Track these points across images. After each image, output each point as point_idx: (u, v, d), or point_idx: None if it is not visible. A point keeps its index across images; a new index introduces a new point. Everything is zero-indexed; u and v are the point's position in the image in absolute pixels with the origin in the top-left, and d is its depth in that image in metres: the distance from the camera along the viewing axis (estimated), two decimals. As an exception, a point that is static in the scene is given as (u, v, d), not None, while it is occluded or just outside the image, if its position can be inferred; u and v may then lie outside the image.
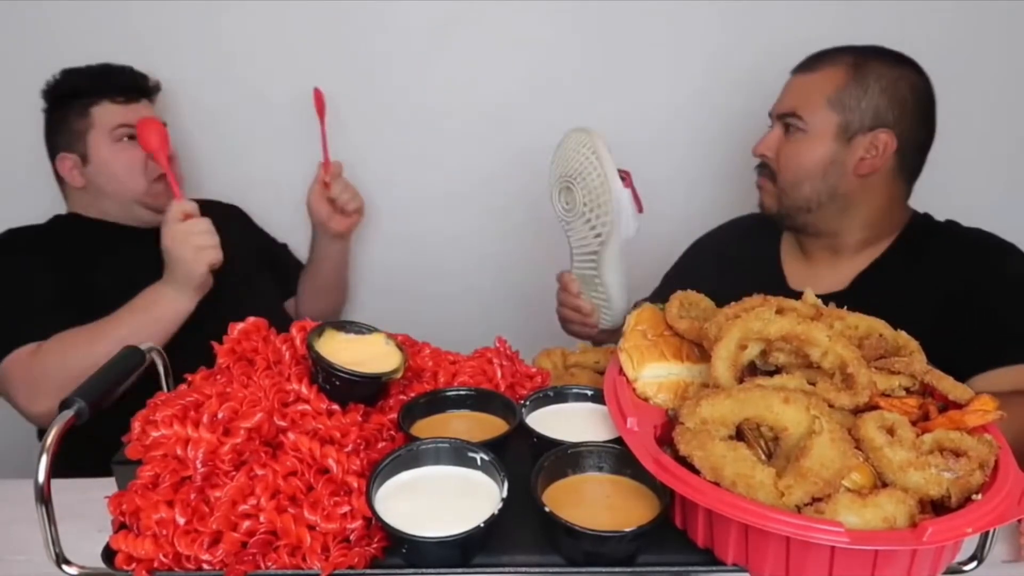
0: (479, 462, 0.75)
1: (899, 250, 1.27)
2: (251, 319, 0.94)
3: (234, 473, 0.74)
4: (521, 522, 0.72)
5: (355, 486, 0.73)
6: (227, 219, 1.70)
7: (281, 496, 0.73)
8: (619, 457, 0.76)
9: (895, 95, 1.20)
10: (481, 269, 1.87)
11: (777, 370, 0.79)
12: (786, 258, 1.39)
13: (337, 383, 0.83)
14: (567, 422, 0.86)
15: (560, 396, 0.91)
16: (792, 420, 0.69)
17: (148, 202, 1.50)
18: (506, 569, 0.70)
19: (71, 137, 1.46)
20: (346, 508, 0.72)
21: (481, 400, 0.90)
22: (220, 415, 0.77)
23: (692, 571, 0.71)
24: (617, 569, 0.70)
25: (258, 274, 1.67)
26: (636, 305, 0.97)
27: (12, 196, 1.67)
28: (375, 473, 0.73)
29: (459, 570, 0.70)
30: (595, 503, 0.74)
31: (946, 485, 0.66)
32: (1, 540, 0.98)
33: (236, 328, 0.93)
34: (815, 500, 0.64)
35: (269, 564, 0.70)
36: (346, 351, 0.86)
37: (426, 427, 0.86)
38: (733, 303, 0.87)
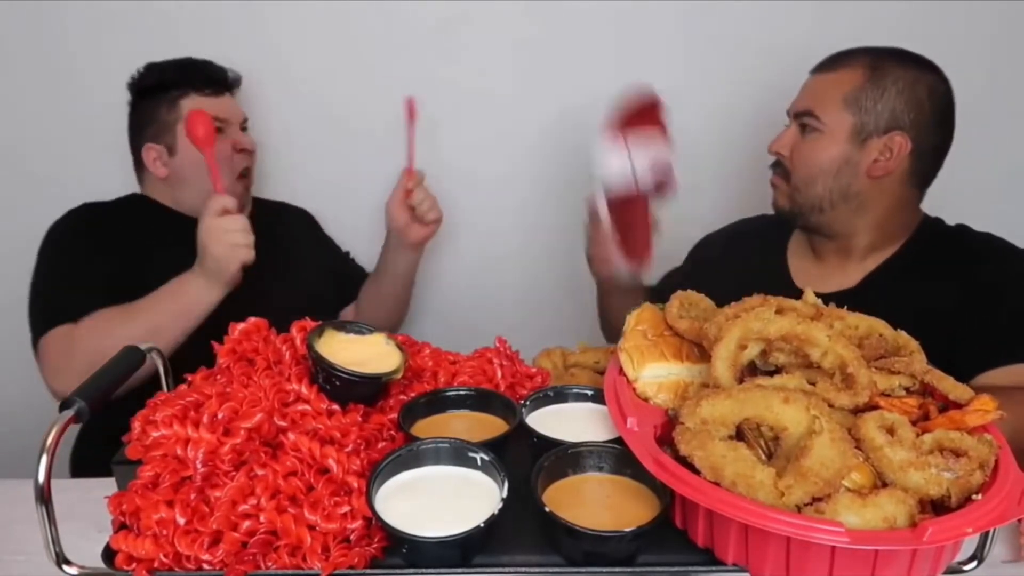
0: (479, 462, 0.75)
1: (909, 253, 1.26)
2: (252, 319, 0.94)
3: (234, 473, 0.74)
4: (521, 522, 0.72)
5: (355, 486, 0.73)
6: (295, 224, 1.74)
7: (281, 496, 0.73)
8: (619, 457, 0.76)
9: (912, 98, 1.19)
10: (481, 269, 1.87)
11: (777, 370, 0.79)
12: (793, 258, 1.39)
13: (337, 383, 0.83)
14: (567, 422, 0.86)
15: (560, 396, 0.92)
16: (792, 420, 0.69)
17: None
18: (506, 569, 0.70)
19: (159, 128, 1.48)
20: (346, 508, 0.72)
21: (481, 400, 0.90)
22: (220, 415, 0.77)
23: (692, 571, 0.71)
24: (617, 569, 0.70)
25: (317, 280, 1.67)
26: (636, 305, 0.97)
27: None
28: (375, 473, 0.73)
29: (459, 570, 0.70)
30: (595, 503, 0.74)
31: (946, 485, 0.66)
32: (1, 540, 0.97)
33: (236, 328, 0.93)
34: (815, 500, 0.64)
35: (269, 564, 0.70)
36: (346, 351, 0.86)
37: (426, 427, 0.86)
38: (733, 303, 0.87)
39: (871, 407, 0.74)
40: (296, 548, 0.70)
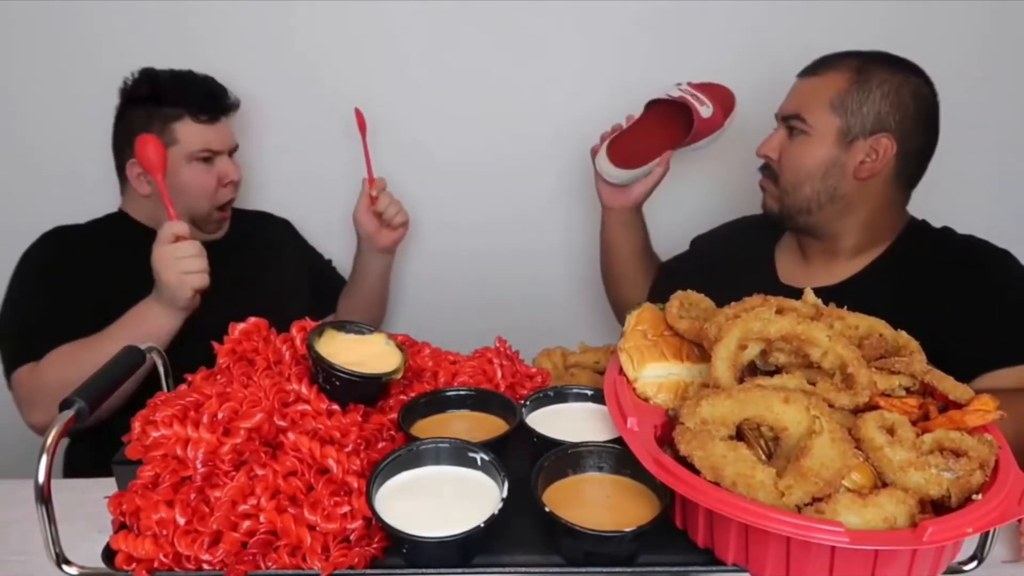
0: (479, 462, 0.75)
1: (894, 255, 1.28)
2: (252, 319, 0.94)
3: (234, 473, 0.74)
4: (521, 522, 0.72)
5: (355, 486, 0.73)
6: (274, 233, 1.72)
7: (281, 496, 0.73)
8: (619, 457, 0.76)
9: (897, 101, 1.21)
10: (481, 269, 1.87)
11: (777, 370, 0.79)
12: (781, 258, 1.40)
13: (337, 383, 0.83)
14: (567, 422, 0.86)
15: (560, 396, 0.92)
16: (792, 420, 0.69)
17: (204, 226, 1.51)
18: (506, 569, 0.70)
19: None
20: (346, 508, 0.72)
21: (481, 400, 0.90)
22: (220, 415, 0.77)
23: (692, 571, 0.71)
24: (617, 569, 0.70)
25: (295, 290, 1.67)
26: (637, 305, 0.97)
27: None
28: (375, 473, 0.73)
29: (459, 570, 0.70)
30: (595, 503, 0.74)
31: (946, 485, 0.66)
32: (1, 540, 0.97)
33: (236, 328, 0.93)
34: (815, 500, 0.64)
35: (269, 564, 0.70)
36: (346, 351, 0.86)
37: (426, 427, 0.86)
38: (733, 303, 0.87)
39: (871, 407, 0.74)
40: (296, 548, 0.70)
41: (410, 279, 1.88)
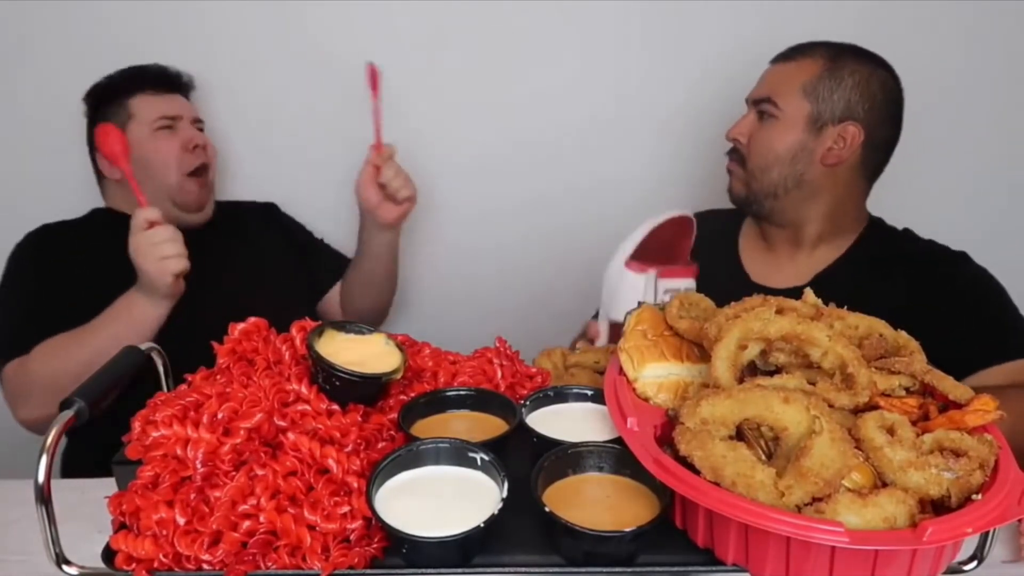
0: (479, 462, 0.75)
1: (858, 253, 1.31)
2: (252, 319, 0.94)
3: (234, 473, 0.74)
4: (521, 522, 0.72)
5: (355, 486, 0.73)
6: (259, 220, 1.71)
7: (281, 496, 0.73)
8: (619, 457, 0.76)
9: (866, 91, 1.24)
10: (482, 269, 1.87)
11: (777, 370, 0.79)
12: (745, 251, 1.41)
13: (337, 383, 0.83)
14: (567, 422, 0.86)
15: (560, 396, 0.92)
16: (792, 420, 0.69)
17: (179, 199, 1.51)
18: (506, 569, 0.70)
19: None
20: (346, 508, 0.72)
21: (481, 400, 0.90)
22: (220, 415, 0.77)
23: (692, 571, 0.71)
24: (617, 569, 0.70)
25: (287, 269, 1.65)
26: (636, 305, 0.97)
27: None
28: (375, 473, 0.73)
29: (459, 570, 0.70)
30: (595, 503, 0.74)
31: (946, 485, 0.66)
32: (1, 540, 0.98)
33: (236, 328, 0.93)
34: (815, 500, 0.64)
35: (269, 564, 0.70)
36: (346, 351, 0.86)
37: (426, 427, 0.86)
38: (733, 303, 0.87)
39: (871, 407, 0.74)
40: (296, 548, 0.70)
41: (410, 279, 1.88)
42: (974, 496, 0.66)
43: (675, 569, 0.71)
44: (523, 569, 0.70)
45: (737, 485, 0.65)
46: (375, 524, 0.70)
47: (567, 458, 0.77)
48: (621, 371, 0.87)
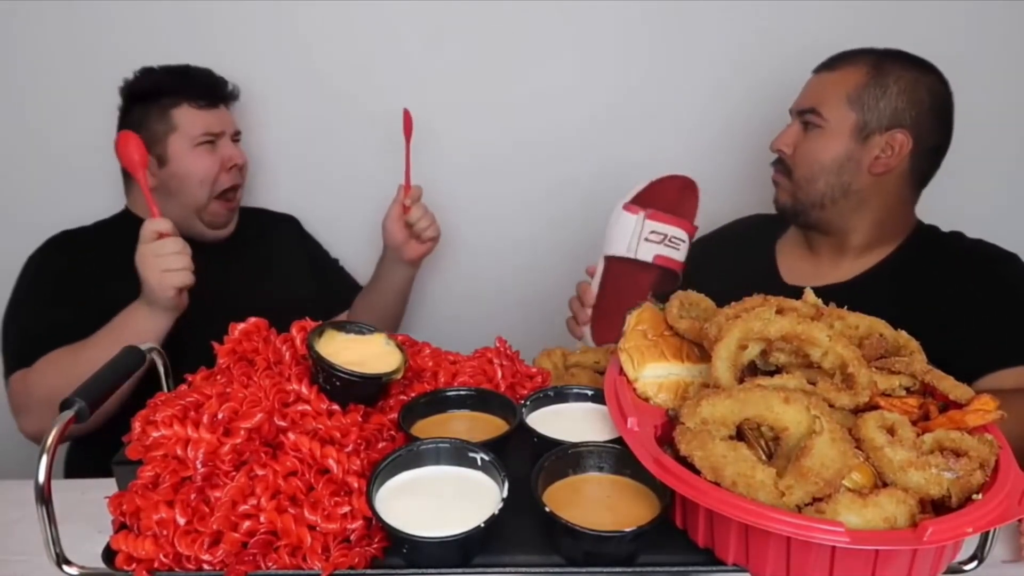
0: (479, 462, 0.75)
1: (904, 256, 1.28)
2: (252, 319, 0.94)
3: (234, 473, 0.74)
4: (521, 522, 0.72)
5: (355, 486, 0.73)
6: (281, 232, 1.70)
7: (281, 496, 0.73)
8: (619, 457, 0.76)
9: (913, 97, 1.21)
10: (482, 269, 1.87)
11: (777, 370, 0.79)
12: (783, 255, 1.40)
13: (337, 383, 0.83)
14: (567, 422, 0.86)
15: (560, 396, 0.92)
16: (792, 420, 0.69)
17: (205, 217, 1.49)
18: (506, 569, 0.70)
19: (149, 138, 1.43)
20: (346, 508, 0.72)
21: (481, 400, 0.90)
22: (220, 415, 0.77)
23: (692, 571, 0.71)
24: (617, 569, 0.70)
25: (302, 288, 1.64)
26: (637, 305, 0.97)
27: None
28: (375, 473, 0.73)
29: (459, 570, 0.70)
30: (595, 503, 0.74)
31: (946, 485, 0.66)
32: (1, 540, 0.98)
33: (237, 328, 0.93)
34: (816, 500, 0.64)
35: (269, 564, 0.70)
36: (346, 351, 0.86)
37: (426, 427, 0.86)
38: (733, 303, 0.87)
39: (871, 407, 0.74)
40: (296, 548, 0.70)
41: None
42: (974, 496, 0.66)
43: (675, 569, 0.71)
44: (523, 569, 0.70)
45: (737, 485, 0.65)
46: (375, 524, 0.70)
47: (567, 458, 0.77)
48: (621, 371, 0.87)
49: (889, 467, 0.67)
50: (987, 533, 0.71)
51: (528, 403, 0.89)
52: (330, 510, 0.72)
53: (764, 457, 0.71)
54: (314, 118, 1.73)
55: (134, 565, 0.70)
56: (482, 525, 0.66)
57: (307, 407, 0.82)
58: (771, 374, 0.77)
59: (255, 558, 0.70)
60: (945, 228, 1.32)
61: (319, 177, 1.78)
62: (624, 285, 1.27)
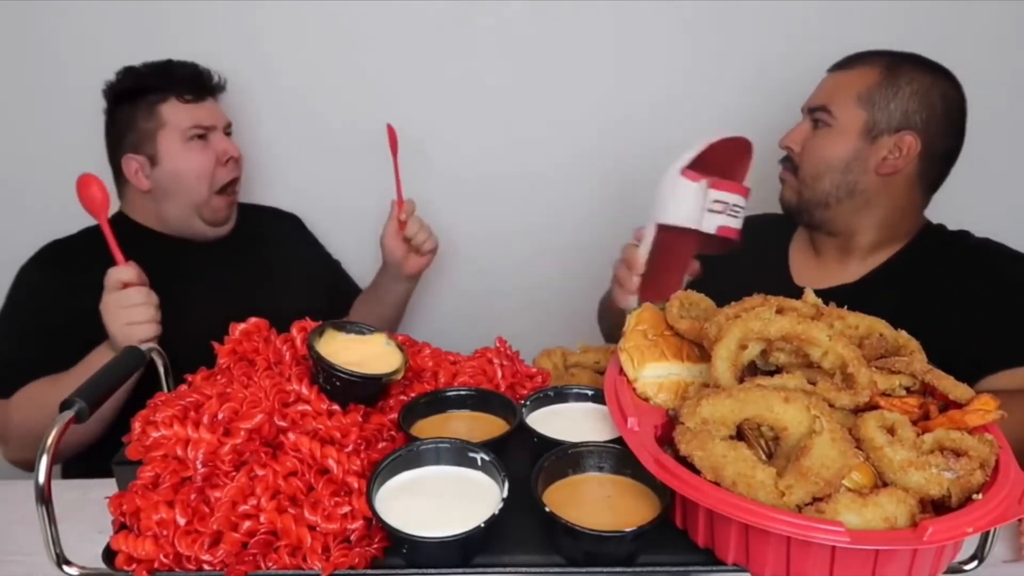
0: (479, 462, 0.75)
1: (910, 255, 1.28)
2: (252, 320, 0.94)
3: (234, 473, 0.74)
4: (521, 522, 0.72)
5: (355, 486, 0.73)
6: (282, 229, 1.68)
7: (281, 496, 0.73)
8: (619, 457, 0.76)
9: (925, 100, 1.21)
10: (482, 269, 1.87)
11: (777, 370, 0.79)
12: (794, 256, 1.39)
13: (338, 383, 0.83)
14: (567, 422, 0.86)
15: (560, 396, 0.92)
16: (792, 420, 0.69)
17: (206, 214, 1.47)
18: (506, 569, 0.70)
19: (139, 138, 1.41)
20: (346, 508, 0.72)
21: (481, 400, 0.90)
22: (220, 416, 0.77)
23: (692, 571, 0.71)
24: (617, 569, 0.70)
25: (303, 288, 1.62)
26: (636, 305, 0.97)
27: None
28: (375, 473, 0.73)
29: (459, 570, 0.70)
30: (595, 503, 0.74)
31: (947, 485, 0.66)
32: (1, 540, 0.97)
33: (237, 328, 0.93)
34: (816, 500, 0.64)
35: (270, 564, 0.70)
36: (347, 352, 0.86)
37: (426, 427, 0.86)
38: (733, 303, 0.87)
39: (871, 407, 0.74)
40: (296, 548, 0.70)
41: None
42: (974, 496, 0.66)
43: (675, 569, 0.71)
44: (523, 569, 0.70)
45: (737, 485, 0.65)
46: (375, 524, 0.70)
47: (567, 458, 0.77)
48: (621, 371, 0.87)
49: (889, 467, 0.67)
50: (987, 533, 0.71)
51: (528, 403, 0.89)
52: (330, 510, 0.72)
53: (764, 457, 0.71)
54: (312, 115, 1.73)
55: (134, 565, 0.70)
56: (482, 525, 0.66)
57: (307, 407, 0.82)
58: (771, 374, 0.77)
59: (255, 558, 0.70)
60: (953, 227, 1.32)
61: (318, 175, 1.78)
62: (673, 251, 1.24)
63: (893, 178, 1.23)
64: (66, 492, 0.78)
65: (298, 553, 0.70)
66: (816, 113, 1.27)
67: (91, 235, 1.47)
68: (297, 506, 0.73)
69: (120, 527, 0.73)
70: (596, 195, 1.78)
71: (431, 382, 0.95)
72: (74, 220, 1.50)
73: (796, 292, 0.91)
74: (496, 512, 0.68)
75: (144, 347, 0.89)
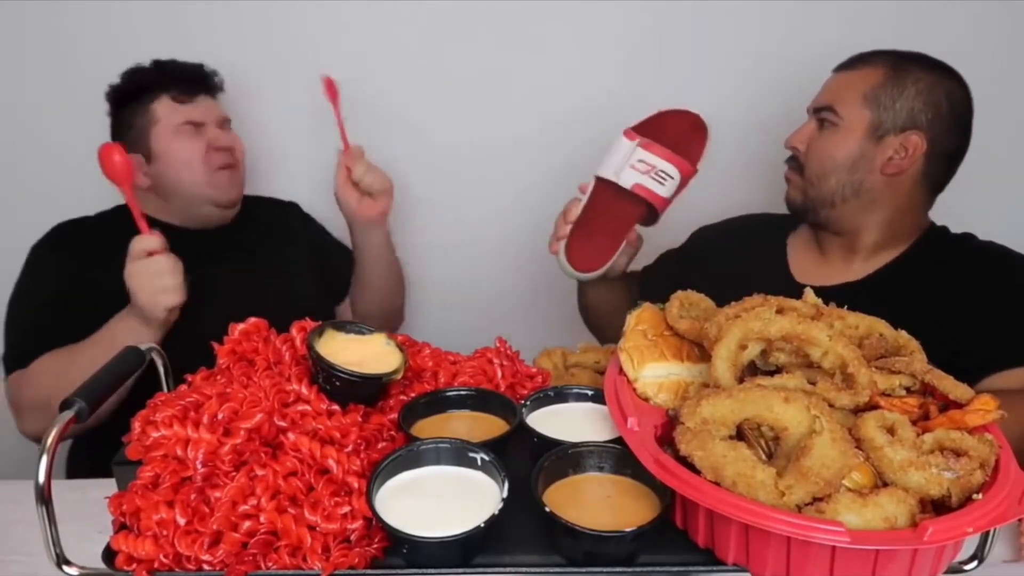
0: (479, 462, 0.75)
1: (913, 256, 1.28)
2: (252, 319, 0.94)
3: (234, 473, 0.74)
4: (521, 522, 0.72)
5: (355, 486, 0.73)
6: (279, 217, 1.67)
7: (281, 496, 0.73)
8: (619, 457, 0.76)
9: (931, 99, 1.21)
10: (482, 269, 1.87)
11: (777, 370, 0.79)
12: (794, 253, 1.40)
13: (337, 383, 0.83)
14: (567, 422, 0.86)
15: (560, 396, 0.92)
16: (792, 420, 0.69)
17: (212, 195, 1.47)
18: (506, 569, 0.70)
19: (135, 136, 1.43)
20: (346, 508, 0.72)
21: (481, 400, 0.90)
22: (220, 416, 0.77)
23: (692, 571, 0.71)
24: (617, 569, 0.70)
25: (307, 271, 1.62)
26: (637, 305, 0.97)
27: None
28: (375, 473, 0.73)
29: (459, 570, 0.70)
30: (596, 503, 0.74)
31: (947, 485, 0.66)
32: (1, 540, 0.97)
33: (236, 328, 0.93)
34: (816, 500, 0.64)
35: (270, 564, 0.70)
36: (346, 351, 0.86)
37: (426, 427, 0.86)
38: (733, 303, 0.87)
39: (871, 407, 0.74)
40: (296, 548, 0.70)
41: (410, 279, 1.87)
42: (975, 496, 0.66)
43: (675, 569, 0.71)
44: (523, 569, 0.70)
45: (737, 485, 0.65)
46: (375, 524, 0.70)
47: (567, 458, 0.77)
48: (621, 371, 0.87)
49: (889, 467, 0.67)
50: (987, 533, 0.71)
51: (528, 403, 0.89)
52: (330, 510, 0.72)
53: (764, 457, 0.71)
54: (310, 110, 1.72)
55: (134, 565, 0.70)
56: (482, 525, 0.66)
57: (307, 407, 0.82)
58: (771, 374, 0.77)
59: (255, 558, 0.70)
60: (956, 229, 1.32)
61: (317, 172, 1.77)
62: (609, 210, 1.31)
63: (898, 178, 1.24)
64: (66, 492, 0.78)
65: (298, 553, 0.70)
66: (822, 113, 1.27)
67: (104, 216, 1.49)
68: (297, 506, 0.73)
69: (120, 527, 0.73)
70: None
71: (431, 382, 0.95)
72: (88, 209, 1.51)
73: (798, 290, 0.91)
74: (496, 512, 0.68)
75: (144, 347, 0.89)
